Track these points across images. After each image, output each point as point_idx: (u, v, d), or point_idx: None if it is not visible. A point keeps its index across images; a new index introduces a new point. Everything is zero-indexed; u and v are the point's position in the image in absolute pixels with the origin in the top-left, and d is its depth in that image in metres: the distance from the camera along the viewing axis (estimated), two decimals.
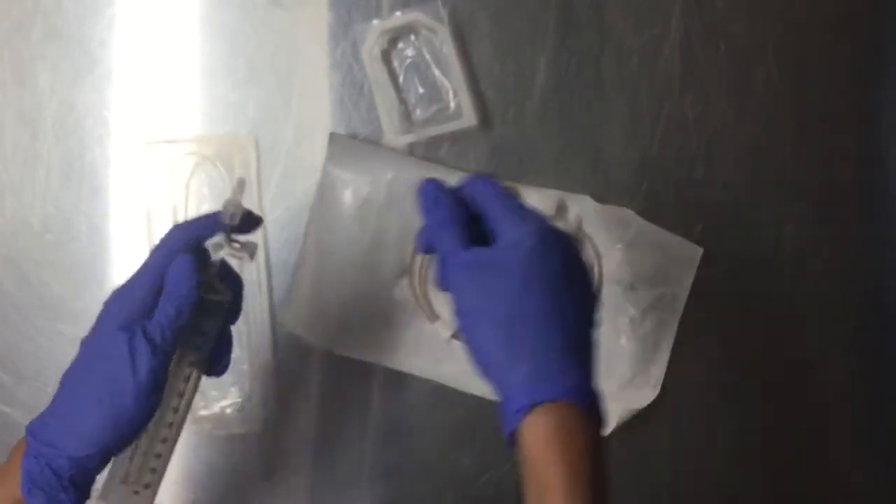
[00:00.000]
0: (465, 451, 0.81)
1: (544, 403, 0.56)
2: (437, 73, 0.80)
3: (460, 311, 0.60)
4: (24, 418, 0.78)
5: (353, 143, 0.79)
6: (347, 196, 0.78)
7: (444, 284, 0.61)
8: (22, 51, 0.80)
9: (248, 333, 0.79)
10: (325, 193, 0.78)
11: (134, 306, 0.60)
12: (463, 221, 0.62)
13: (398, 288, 0.79)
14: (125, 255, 0.79)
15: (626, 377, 0.79)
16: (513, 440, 0.57)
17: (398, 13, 0.79)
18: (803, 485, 0.82)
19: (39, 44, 0.80)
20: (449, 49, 0.79)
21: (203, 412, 0.79)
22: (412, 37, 0.80)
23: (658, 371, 0.79)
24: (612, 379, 0.78)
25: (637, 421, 0.79)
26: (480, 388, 0.75)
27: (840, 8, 0.81)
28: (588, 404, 0.57)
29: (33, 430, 0.60)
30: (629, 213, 0.79)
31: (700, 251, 0.79)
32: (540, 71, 0.80)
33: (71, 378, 0.60)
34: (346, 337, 0.79)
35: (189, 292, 0.60)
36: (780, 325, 0.82)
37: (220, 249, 0.65)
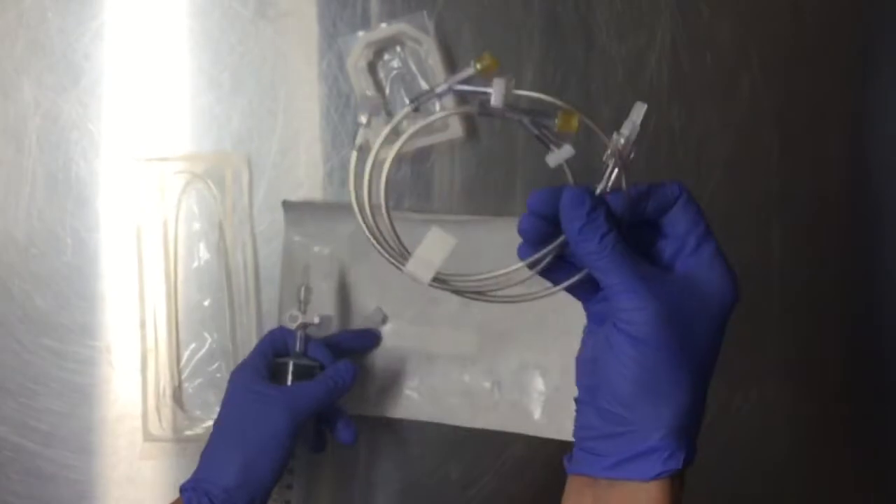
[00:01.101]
0: (455, 463, 0.81)
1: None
2: (423, 84, 0.79)
3: (639, 336, 0.52)
4: (8, 433, 0.78)
5: (308, 205, 0.79)
6: (312, 256, 0.78)
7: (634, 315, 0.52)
8: (5, 63, 0.79)
9: (234, 348, 0.79)
10: (290, 259, 0.79)
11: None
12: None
13: (386, 336, 0.80)
14: (111, 269, 0.79)
15: None
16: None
17: (384, 25, 0.79)
18: (798, 491, 0.82)
19: (23, 56, 0.79)
20: (435, 60, 0.78)
21: (188, 432, 0.79)
22: (398, 48, 0.80)
23: None
24: None
25: None
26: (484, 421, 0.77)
27: (825, 18, 0.81)
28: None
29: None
30: None
31: None
32: (526, 81, 0.80)
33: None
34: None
35: None
36: (768, 332, 0.82)
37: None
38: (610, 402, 0.52)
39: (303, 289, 0.73)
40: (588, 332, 0.56)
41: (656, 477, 0.51)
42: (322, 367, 0.73)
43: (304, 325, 0.73)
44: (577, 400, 0.55)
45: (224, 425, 0.70)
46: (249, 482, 0.68)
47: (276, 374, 0.73)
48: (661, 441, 0.51)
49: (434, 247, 0.55)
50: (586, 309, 0.57)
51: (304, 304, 0.73)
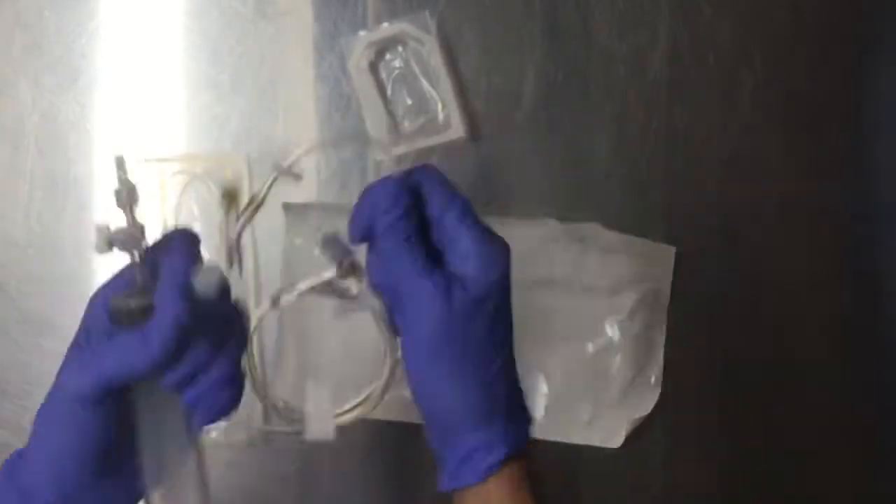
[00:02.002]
0: None
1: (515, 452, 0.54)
2: (424, 84, 0.79)
3: (418, 349, 0.54)
4: (7, 436, 0.77)
5: (308, 207, 0.79)
6: (313, 260, 0.78)
7: (393, 317, 0.55)
8: (2, 64, 0.79)
9: None
10: (290, 264, 0.78)
11: None
12: (419, 232, 0.55)
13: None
14: (110, 270, 0.78)
15: (626, 381, 0.79)
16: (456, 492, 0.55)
17: (385, 24, 0.78)
18: (798, 491, 0.82)
19: (20, 56, 0.79)
20: (437, 60, 0.78)
21: None
22: (399, 48, 0.79)
23: (656, 369, 0.79)
24: (612, 386, 0.79)
25: (630, 438, 0.79)
26: None
27: (826, 16, 0.81)
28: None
29: None
30: (595, 226, 0.79)
31: (673, 249, 0.79)
32: (528, 81, 0.80)
33: None
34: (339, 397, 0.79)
35: None
36: (770, 332, 0.82)
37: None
38: (427, 411, 0.55)
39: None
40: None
41: (488, 475, 0.53)
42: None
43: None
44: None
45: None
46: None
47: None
48: (473, 441, 0.53)
49: (319, 399, 0.58)
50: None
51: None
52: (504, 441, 0.53)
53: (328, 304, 0.59)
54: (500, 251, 0.55)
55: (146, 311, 0.50)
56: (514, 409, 0.55)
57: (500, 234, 0.77)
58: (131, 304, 0.51)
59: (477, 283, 0.53)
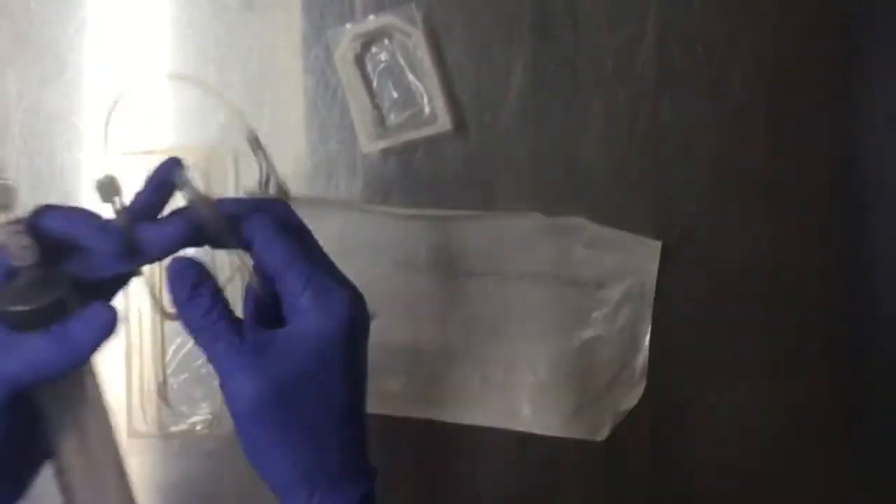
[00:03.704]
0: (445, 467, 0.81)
1: None
2: (411, 77, 0.79)
3: (240, 421, 0.51)
4: None
5: (295, 201, 0.77)
6: None
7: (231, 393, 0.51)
8: None
9: None
10: None
11: None
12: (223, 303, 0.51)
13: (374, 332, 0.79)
14: None
15: (611, 374, 0.79)
16: None
17: (371, 17, 0.78)
18: (786, 486, 0.82)
19: (6, 48, 0.79)
20: (423, 53, 0.78)
21: (173, 428, 0.78)
22: (386, 41, 0.79)
23: (641, 362, 0.79)
24: (598, 379, 0.80)
25: (615, 432, 0.79)
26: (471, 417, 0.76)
27: (815, 10, 0.81)
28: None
29: None
30: (581, 220, 0.79)
31: (659, 243, 0.79)
32: (515, 74, 0.80)
33: None
34: None
35: None
36: (756, 326, 0.82)
37: None
38: (258, 473, 0.53)
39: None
40: None
41: None
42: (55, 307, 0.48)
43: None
44: None
45: None
46: None
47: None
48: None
49: None
50: None
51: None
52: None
53: None
54: (340, 303, 0.52)
55: (53, 313, 0.47)
56: (351, 473, 0.53)
57: (486, 228, 0.78)
58: (38, 307, 0.47)
59: (305, 334, 0.50)
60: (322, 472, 0.51)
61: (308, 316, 0.51)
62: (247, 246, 0.52)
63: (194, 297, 0.50)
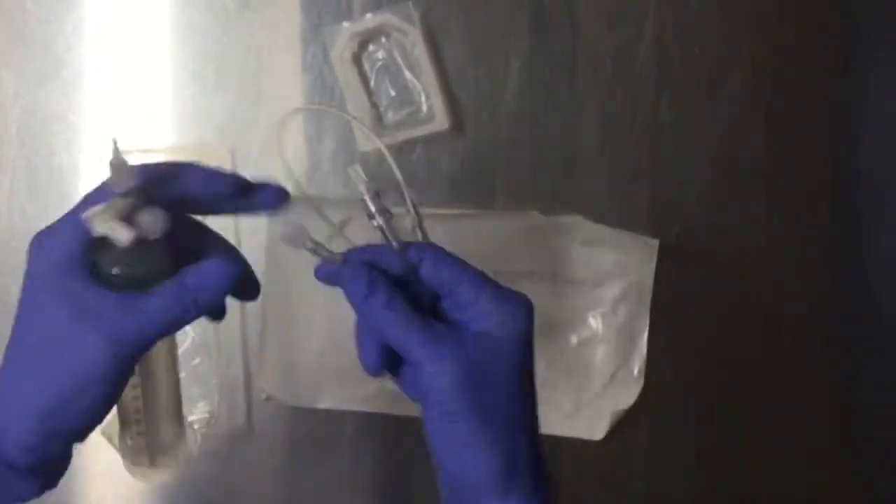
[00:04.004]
0: None
1: None
2: (408, 75, 0.79)
3: (436, 416, 0.51)
4: None
5: (293, 199, 0.78)
6: (297, 253, 0.77)
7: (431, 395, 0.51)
8: None
9: (217, 345, 0.78)
10: (273, 256, 0.78)
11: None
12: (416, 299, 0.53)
13: None
14: None
15: (609, 373, 0.80)
16: None
17: (369, 15, 0.78)
18: (785, 485, 0.82)
19: (2, 47, 0.79)
20: (420, 51, 0.78)
21: None
22: (383, 39, 0.79)
23: (639, 362, 0.79)
24: (595, 378, 0.80)
25: (613, 431, 0.79)
26: None
27: (814, 9, 0.81)
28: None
29: None
30: (579, 218, 0.79)
31: (656, 242, 0.79)
32: (513, 73, 0.80)
33: None
34: (325, 390, 0.79)
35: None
36: (755, 322, 0.82)
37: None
38: (445, 475, 0.52)
39: None
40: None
41: None
42: (170, 267, 0.50)
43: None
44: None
45: (21, 343, 0.49)
46: (53, 435, 0.48)
47: (95, 267, 0.49)
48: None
49: None
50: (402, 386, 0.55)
51: None
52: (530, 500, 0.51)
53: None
54: (520, 306, 0.53)
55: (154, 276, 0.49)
56: (537, 479, 0.52)
57: (482, 227, 0.78)
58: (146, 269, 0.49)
59: (499, 340, 0.51)
60: (515, 473, 0.51)
61: (491, 318, 0.52)
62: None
63: (372, 292, 0.51)
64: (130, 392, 0.56)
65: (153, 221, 0.48)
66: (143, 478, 0.61)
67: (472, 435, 0.50)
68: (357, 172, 0.54)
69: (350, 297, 0.52)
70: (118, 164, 0.49)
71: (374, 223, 0.54)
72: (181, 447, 0.61)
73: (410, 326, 0.51)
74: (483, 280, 0.53)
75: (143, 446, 0.59)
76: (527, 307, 0.53)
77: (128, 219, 0.48)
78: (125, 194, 0.49)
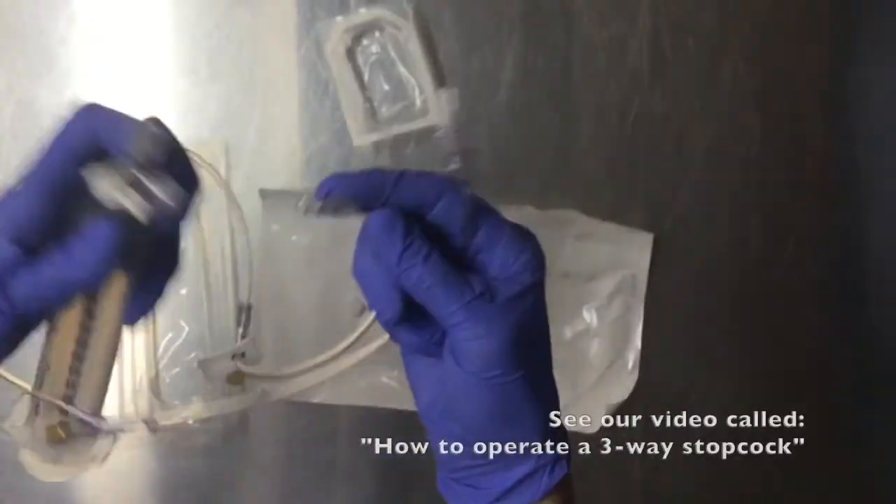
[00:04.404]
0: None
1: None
2: (402, 70, 0.79)
3: (488, 368, 0.48)
4: None
5: (286, 194, 0.78)
6: (290, 246, 0.78)
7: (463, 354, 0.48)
8: None
9: (211, 337, 0.78)
10: (268, 250, 0.78)
11: None
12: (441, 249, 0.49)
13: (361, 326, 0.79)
14: None
15: (604, 366, 0.80)
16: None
17: (362, 10, 0.78)
18: (782, 474, 0.83)
19: None
20: (414, 46, 0.78)
21: (165, 422, 0.78)
22: (377, 33, 0.79)
23: (633, 354, 0.80)
24: (590, 371, 0.80)
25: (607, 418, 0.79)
26: None
27: (807, 3, 0.81)
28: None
29: None
30: (573, 212, 0.79)
31: (651, 236, 0.79)
32: (506, 67, 0.80)
33: None
34: (315, 384, 0.79)
35: None
36: (748, 318, 0.82)
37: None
38: (475, 439, 0.49)
39: None
40: (417, 369, 0.52)
41: (546, 495, 0.50)
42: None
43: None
44: (429, 431, 0.52)
45: None
46: None
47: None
48: (539, 459, 0.50)
49: None
50: (407, 343, 0.51)
51: None
52: (566, 458, 0.51)
53: None
54: (536, 252, 0.50)
55: None
56: (560, 427, 0.51)
57: None
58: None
59: (528, 294, 0.49)
60: (554, 432, 0.50)
61: (522, 272, 0.49)
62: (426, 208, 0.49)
63: (409, 245, 0.47)
64: (67, 362, 0.51)
65: (172, 194, 0.44)
66: (47, 472, 0.58)
67: (520, 396, 0.48)
68: (307, 201, 0.50)
69: (381, 248, 0.48)
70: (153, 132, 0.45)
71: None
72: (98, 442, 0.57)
73: (451, 284, 0.47)
74: (501, 220, 0.50)
75: (57, 434, 0.54)
76: (541, 252, 0.50)
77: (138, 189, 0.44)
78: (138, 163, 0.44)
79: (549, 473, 0.50)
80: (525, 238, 0.50)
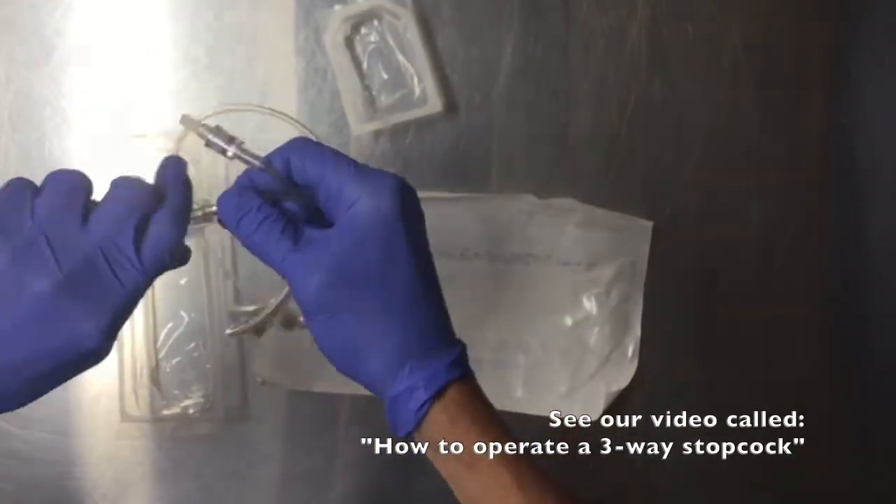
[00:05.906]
0: None
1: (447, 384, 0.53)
2: (401, 58, 0.79)
3: (318, 312, 0.53)
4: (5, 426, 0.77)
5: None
6: None
7: (308, 305, 0.53)
8: None
9: (211, 329, 0.78)
10: None
11: None
12: (286, 208, 0.55)
13: None
14: None
15: (604, 354, 0.80)
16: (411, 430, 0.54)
17: None
18: (779, 464, 0.83)
19: None
20: (413, 34, 0.78)
21: (165, 412, 0.78)
22: (375, 22, 0.79)
23: (633, 342, 0.80)
24: (590, 359, 0.80)
25: (607, 412, 0.80)
26: None
27: None
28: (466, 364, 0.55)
29: None
30: (572, 201, 0.79)
31: (650, 224, 0.79)
32: (505, 55, 0.80)
33: None
34: (320, 374, 0.79)
35: None
36: (748, 305, 0.82)
37: None
38: (343, 372, 0.54)
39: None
40: None
41: (423, 413, 0.52)
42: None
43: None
44: None
45: None
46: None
47: None
48: (398, 391, 0.52)
49: None
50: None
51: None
52: (438, 377, 0.52)
53: None
54: (381, 184, 0.53)
55: None
56: (436, 344, 0.53)
57: (477, 209, 0.78)
58: None
59: (357, 221, 0.52)
60: (409, 354, 0.52)
61: (360, 202, 0.52)
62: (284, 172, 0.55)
63: (244, 216, 0.54)
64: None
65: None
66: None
67: (353, 334, 0.52)
68: (188, 119, 0.57)
69: (223, 218, 0.55)
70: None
71: (229, 154, 0.56)
72: None
73: (274, 243, 0.52)
74: (347, 165, 0.53)
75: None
76: (390, 184, 0.53)
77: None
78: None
79: (414, 400, 0.52)
80: (359, 185, 0.53)
